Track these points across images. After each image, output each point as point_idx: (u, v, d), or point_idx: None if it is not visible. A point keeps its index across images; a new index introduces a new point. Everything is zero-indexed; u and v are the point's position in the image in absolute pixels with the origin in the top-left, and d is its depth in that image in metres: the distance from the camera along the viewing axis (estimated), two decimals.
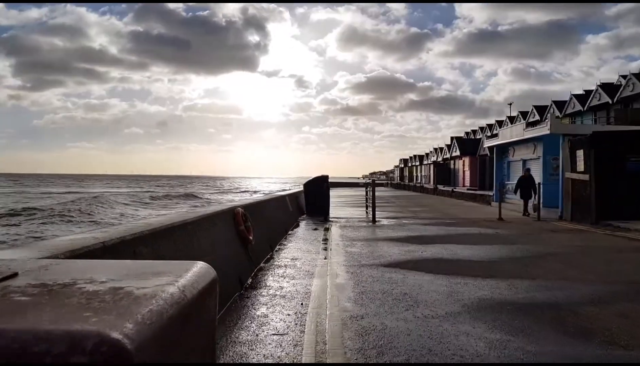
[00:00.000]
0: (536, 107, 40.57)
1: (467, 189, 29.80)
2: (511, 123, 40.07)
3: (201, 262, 1.32)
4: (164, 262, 1.37)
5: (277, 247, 9.28)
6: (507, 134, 20.64)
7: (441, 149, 48.42)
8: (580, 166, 14.13)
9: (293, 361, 3.73)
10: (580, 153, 14.18)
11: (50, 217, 27.68)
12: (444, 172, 39.71)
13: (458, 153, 37.10)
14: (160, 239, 4.09)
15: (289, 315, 4.95)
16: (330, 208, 17.97)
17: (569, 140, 14.85)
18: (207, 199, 59.45)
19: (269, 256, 8.19)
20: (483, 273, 6.88)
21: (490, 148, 23.49)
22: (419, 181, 51.47)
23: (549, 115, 27.07)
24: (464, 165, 34.16)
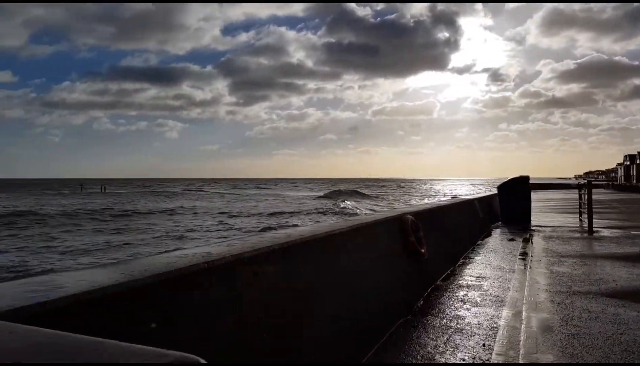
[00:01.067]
0: None
1: None
2: None
3: None
4: None
5: (461, 261, 7.89)
6: None
7: None
8: None
9: None
10: None
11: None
12: None
13: None
14: (292, 256, 3.33)
15: (463, 360, 3.71)
16: (532, 214, 15.47)
17: None
18: (377, 201, 59.28)
19: (448, 272, 6.91)
20: None
21: None
22: None
23: None
24: None
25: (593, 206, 12.72)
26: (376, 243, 4.87)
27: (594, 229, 11.96)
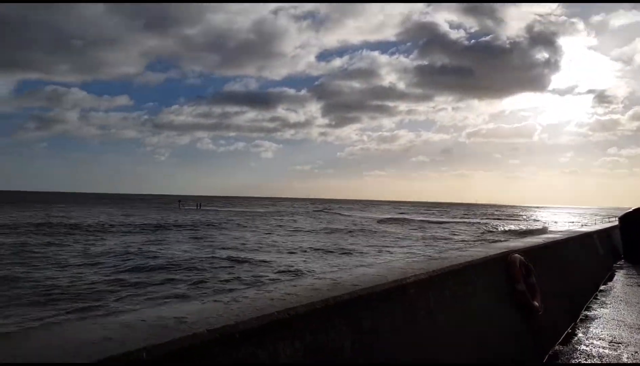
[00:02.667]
0: None
1: None
2: None
3: None
4: None
5: (583, 314, 6.10)
6: None
7: None
8: None
9: None
10: None
11: None
12: None
13: None
14: (362, 311, 2.13)
15: None
16: None
17: None
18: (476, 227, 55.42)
19: (568, 331, 5.22)
20: None
21: None
22: None
23: None
24: None
25: None
26: (472, 293, 3.48)
27: None
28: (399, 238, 40.56)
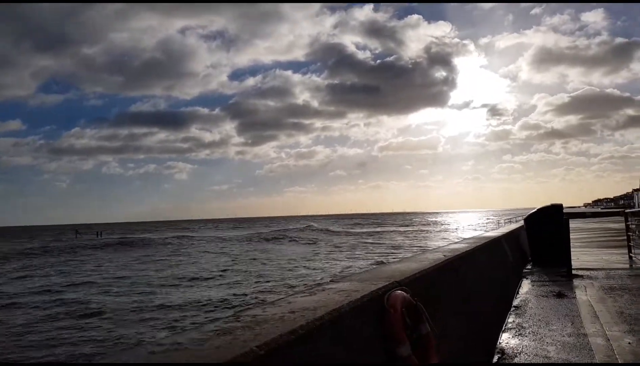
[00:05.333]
0: None
1: None
2: None
3: None
4: None
5: (498, 348, 4.75)
6: None
7: None
8: None
9: None
10: None
11: None
12: None
13: None
14: None
15: None
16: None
17: None
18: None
19: None
20: None
21: None
22: None
23: None
24: None
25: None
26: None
27: None
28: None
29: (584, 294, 7.40)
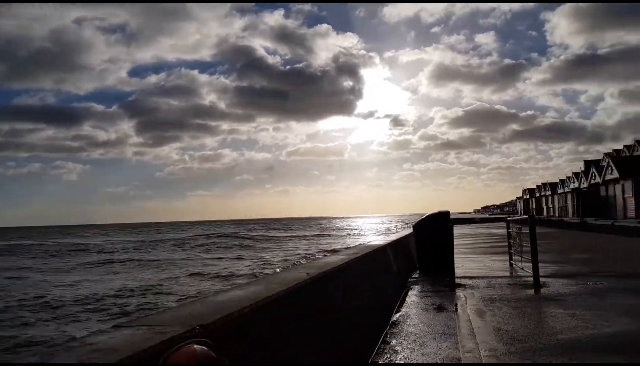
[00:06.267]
0: None
1: (639, 222, 21.90)
2: None
3: None
4: None
5: None
6: None
7: (585, 173, 39.34)
8: None
9: None
10: None
11: None
12: (593, 201, 31.34)
13: (616, 175, 28.66)
14: None
15: None
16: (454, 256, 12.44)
17: None
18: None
19: None
20: None
21: None
22: (553, 213, 42.84)
23: None
24: (624, 191, 26.01)
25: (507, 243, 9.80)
26: None
27: (540, 282, 8.89)
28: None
29: (465, 307, 7.10)
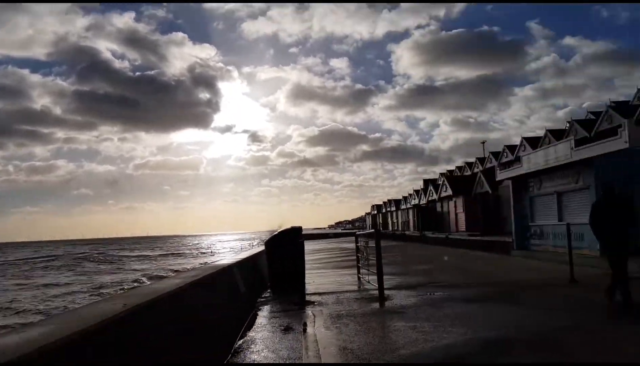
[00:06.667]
0: (493, 153, 38.46)
1: (468, 235, 24.58)
2: (482, 163, 36.06)
3: None
4: None
5: None
6: (539, 160, 15.65)
7: (424, 190, 43.46)
8: None
9: None
10: None
11: None
12: (430, 216, 34.58)
13: (450, 193, 32.10)
14: None
15: None
16: (305, 273, 12.34)
17: None
18: None
19: None
20: None
21: (514, 179, 18.39)
22: (397, 228, 46.37)
23: (571, 134, 22.11)
24: (456, 207, 29.14)
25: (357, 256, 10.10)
26: None
27: (385, 294, 9.10)
28: None
29: (312, 326, 6.84)
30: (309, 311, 8.07)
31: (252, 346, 5.89)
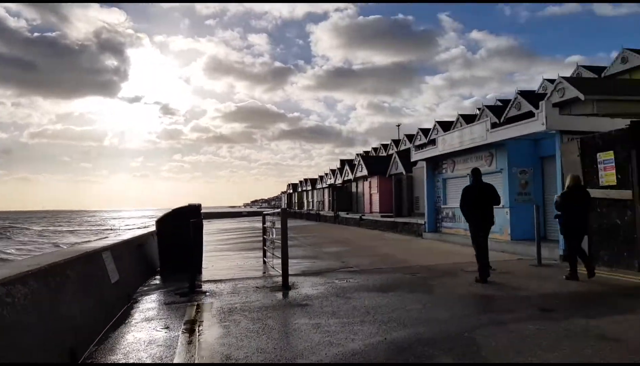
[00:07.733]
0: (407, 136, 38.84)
1: (382, 216, 24.35)
2: (411, 142, 36.47)
3: None
4: None
5: None
6: (454, 141, 15.34)
7: (340, 170, 43.09)
8: (609, 177, 8.92)
9: None
10: (605, 157, 9.00)
11: None
12: (345, 196, 34.23)
13: (365, 173, 31.83)
14: None
15: None
16: (205, 254, 11.06)
17: (579, 139, 9.66)
18: None
19: None
20: None
21: (428, 161, 18.08)
22: (312, 207, 45.87)
23: (484, 116, 22.17)
24: (370, 187, 28.89)
25: (269, 237, 9.01)
26: None
27: (289, 282, 8.05)
28: None
29: (196, 324, 5.60)
30: (196, 303, 6.80)
31: (110, 355, 4.54)
